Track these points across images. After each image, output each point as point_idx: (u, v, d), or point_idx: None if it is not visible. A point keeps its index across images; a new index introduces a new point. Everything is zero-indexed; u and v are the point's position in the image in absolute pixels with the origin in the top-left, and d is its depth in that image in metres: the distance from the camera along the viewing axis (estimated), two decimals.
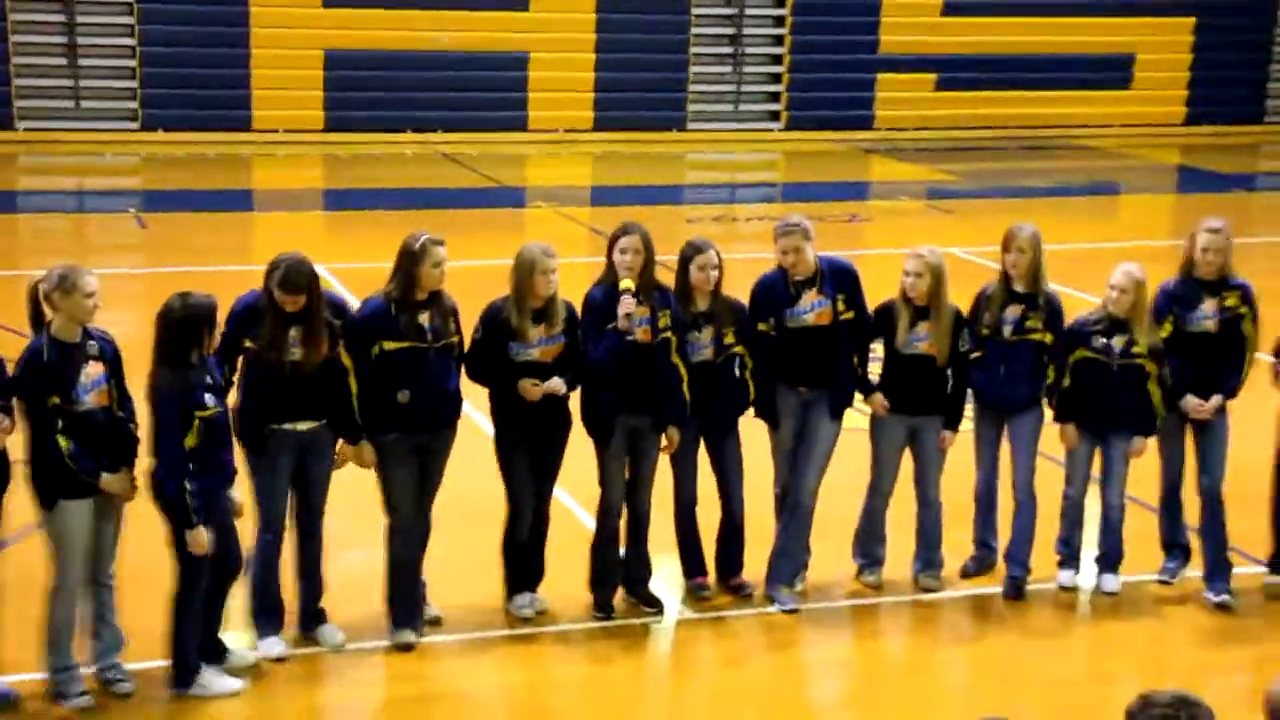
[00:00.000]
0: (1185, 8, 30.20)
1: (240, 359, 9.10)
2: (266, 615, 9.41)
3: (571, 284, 9.79)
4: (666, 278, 9.89)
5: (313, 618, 9.56)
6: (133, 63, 26.29)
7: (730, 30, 28.86)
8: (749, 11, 28.83)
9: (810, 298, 10.01)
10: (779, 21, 28.96)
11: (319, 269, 9.45)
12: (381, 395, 9.26)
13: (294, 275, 9.01)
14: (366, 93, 26.83)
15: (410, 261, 9.26)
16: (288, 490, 9.31)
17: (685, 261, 9.90)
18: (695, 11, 28.35)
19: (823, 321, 10.02)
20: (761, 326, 10.01)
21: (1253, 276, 10.65)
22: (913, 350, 10.09)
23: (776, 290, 10.05)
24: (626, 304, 9.53)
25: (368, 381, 9.26)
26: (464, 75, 27.17)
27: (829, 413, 10.14)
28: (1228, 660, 9.75)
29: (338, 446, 9.37)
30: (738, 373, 10.05)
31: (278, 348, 9.01)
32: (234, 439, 8.94)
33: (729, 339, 9.95)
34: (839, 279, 10.11)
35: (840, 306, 10.04)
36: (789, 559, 10.32)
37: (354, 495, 9.64)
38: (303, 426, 9.19)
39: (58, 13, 25.93)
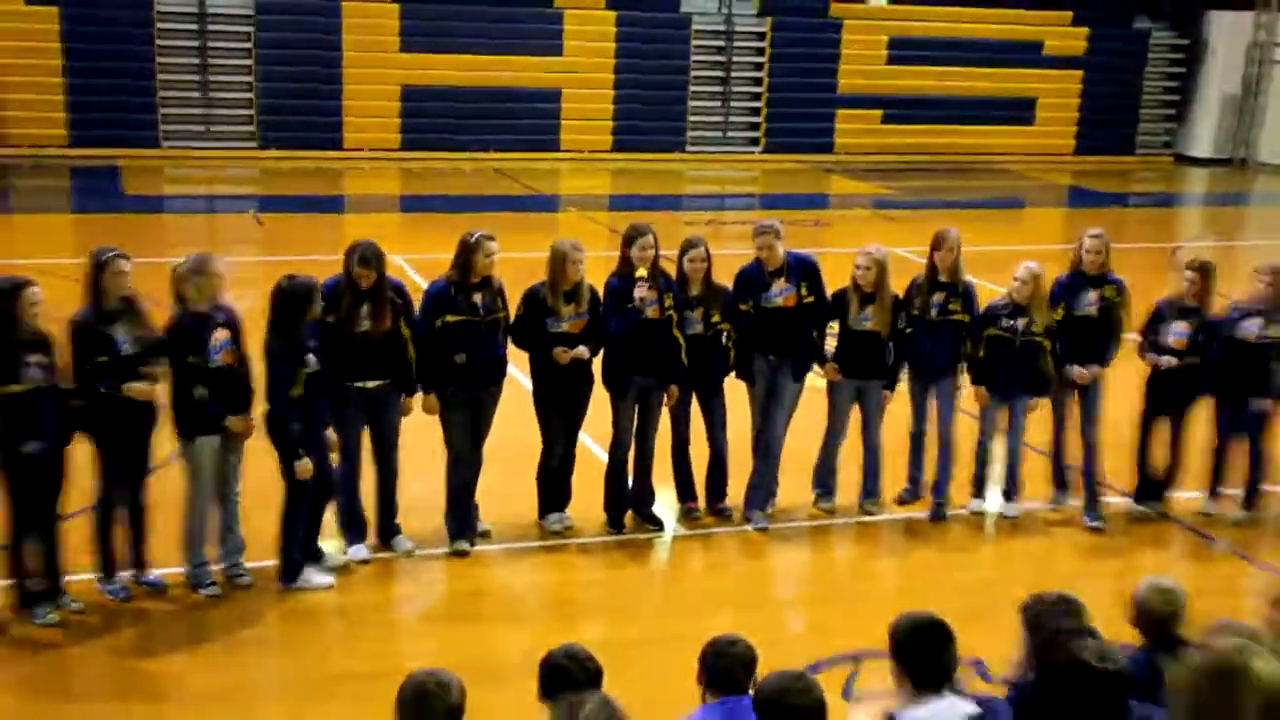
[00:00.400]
0: (1075, 63, 30.29)
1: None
2: (352, 528, 9.52)
3: (594, 272, 9.82)
4: (669, 268, 9.97)
5: (389, 531, 9.66)
6: (250, 95, 26.34)
7: (721, 74, 28.87)
8: (736, 59, 28.82)
9: (780, 284, 10.05)
10: (759, 67, 28.96)
11: (396, 259, 9.50)
12: (443, 358, 9.31)
13: (369, 254, 9.08)
14: (434, 119, 26.82)
15: (467, 252, 9.30)
16: (361, 433, 9.37)
17: (681, 255, 9.97)
18: (694, 58, 28.35)
19: (789, 304, 10.06)
20: (742, 307, 10.05)
21: (1126, 274, 10.70)
22: (861, 327, 10.14)
23: (754, 278, 10.09)
24: (642, 289, 9.62)
25: (429, 348, 9.31)
26: (510, 107, 27.16)
27: (793, 375, 10.22)
28: (1100, 569, 9.84)
29: (403, 399, 9.44)
30: (723, 343, 10.11)
31: (351, 320, 9.06)
32: None
33: (715, 317, 9.99)
34: (804, 270, 10.15)
35: (804, 292, 10.08)
36: (762, 489, 10.40)
37: (422, 436, 9.72)
38: (371, 384, 9.23)
39: (194, 55, 25.98)
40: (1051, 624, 5.26)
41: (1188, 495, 10.79)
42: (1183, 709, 3.51)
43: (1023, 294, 10.15)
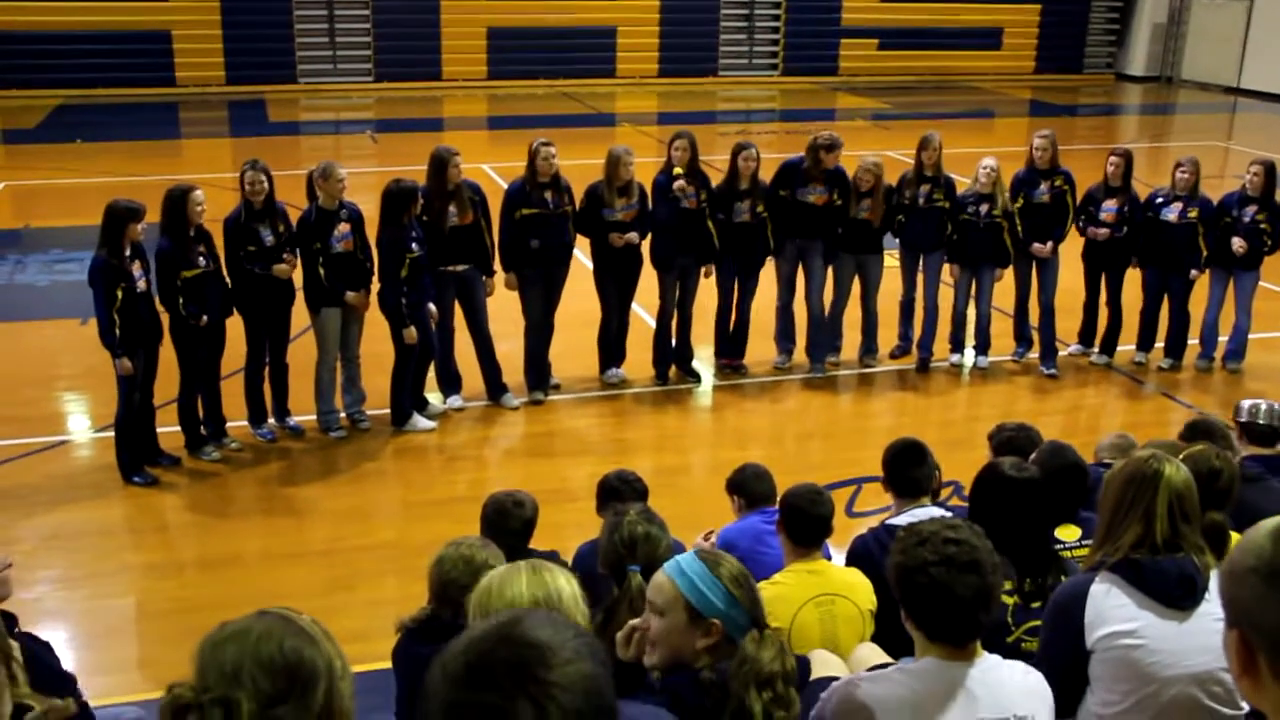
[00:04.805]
0: None
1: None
2: (449, 383, 9.47)
3: (643, 172, 9.65)
4: (706, 170, 9.74)
5: (499, 389, 9.52)
6: (369, 39, 26.06)
7: (746, 10, 28.35)
8: None
9: (818, 186, 9.80)
10: (777, 5, 28.39)
11: (484, 166, 9.34)
12: (521, 244, 9.20)
13: (443, 155, 8.96)
14: (514, 54, 26.51)
15: (532, 158, 9.16)
16: (453, 308, 9.21)
17: (736, 154, 9.66)
18: None
19: (820, 202, 9.81)
20: (782, 192, 9.81)
21: (1076, 171, 10.41)
22: (859, 216, 9.93)
23: (798, 172, 9.84)
24: (680, 182, 9.44)
25: (509, 236, 9.18)
26: (575, 41, 26.86)
27: (821, 256, 10.05)
28: (1051, 407, 9.68)
29: (485, 279, 9.28)
30: (765, 230, 9.76)
31: (442, 216, 8.93)
32: None
33: (759, 208, 9.72)
34: (839, 180, 9.87)
35: (835, 197, 9.84)
36: (824, 345, 10.30)
37: (505, 309, 9.62)
38: (459, 268, 9.09)
39: (323, 6, 25.66)
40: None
41: (1123, 348, 10.57)
42: (1110, 506, 3.49)
43: (985, 185, 9.97)
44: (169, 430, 8.47)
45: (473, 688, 1.54)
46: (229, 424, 8.71)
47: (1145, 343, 10.50)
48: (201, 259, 8.10)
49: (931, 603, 2.85)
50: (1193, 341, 10.45)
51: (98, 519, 7.77)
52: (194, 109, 23.95)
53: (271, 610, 2.04)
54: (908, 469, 4.77)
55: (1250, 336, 10.37)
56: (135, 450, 8.17)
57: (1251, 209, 9.96)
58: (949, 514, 4.61)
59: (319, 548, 7.49)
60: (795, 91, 27.63)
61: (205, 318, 8.11)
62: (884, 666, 3.27)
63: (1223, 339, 10.42)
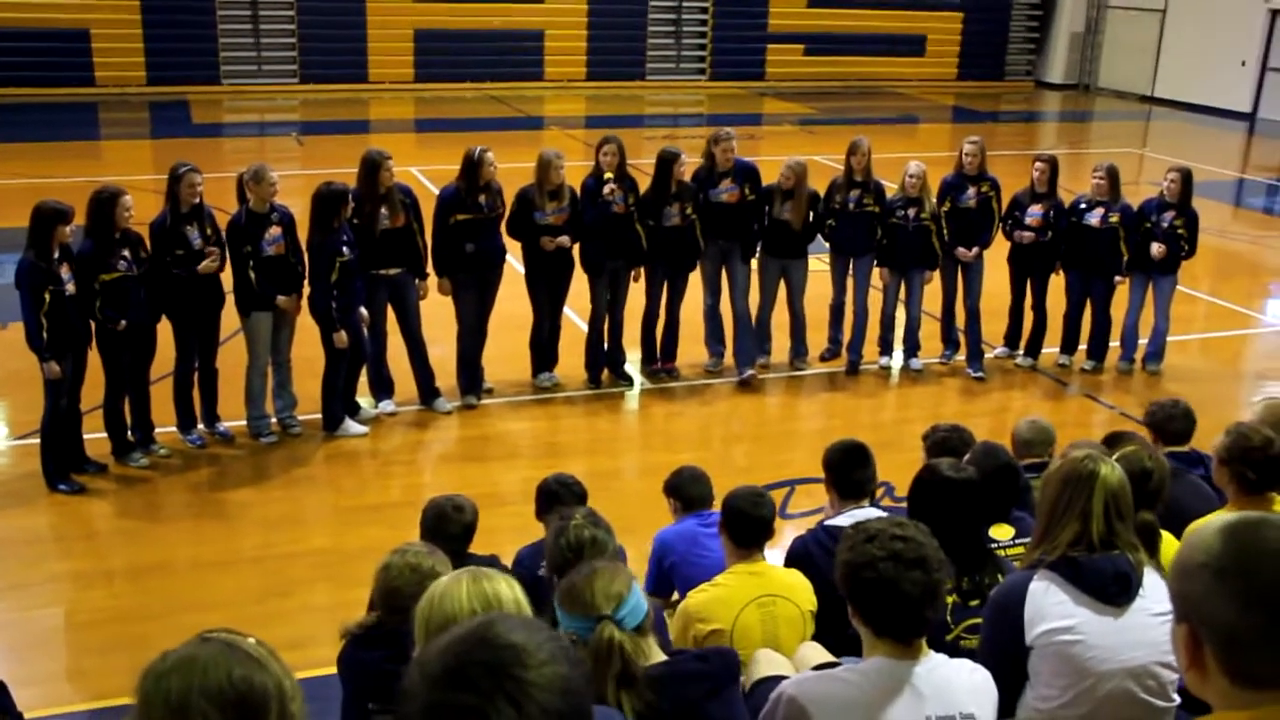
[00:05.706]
0: (956, 5, 30.05)
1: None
2: (381, 387, 9.40)
3: (572, 176, 9.61)
4: (634, 175, 9.77)
5: (431, 394, 9.47)
6: (294, 40, 25.78)
7: (673, 15, 28.45)
8: (685, 3, 28.40)
9: (726, 184, 9.89)
10: (704, 10, 28.51)
11: (413, 169, 9.29)
12: (455, 248, 9.16)
13: (375, 158, 8.87)
14: (441, 56, 26.37)
15: (473, 164, 9.12)
16: (385, 311, 9.14)
17: (669, 163, 9.66)
18: (651, 2, 27.97)
19: (733, 200, 9.89)
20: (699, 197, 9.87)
21: (998, 174, 10.60)
22: (782, 217, 10.00)
23: (707, 175, 9.91)
24: (610, 189, 9.45)
25: (443, 240, 9.13)
26: (503, 44, 26.76)
27: (741, 258, 10.10)
28: (978, 409, 9.82)
29: (417, 282, 9.22)
30: (695, 232, 9.82)
31: (373, 219, 8.87)
32: None
33: (689, 210, 9.77)
34: (747, 174, 9.97)
35: (747, 191, 9.93)
36: (748, 349, 10.27)
37: (437, 313, 9.57)
38: (391, 271, 9.02)
39: (247, 6, 25.32)
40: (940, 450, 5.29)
41: (1047, 350, 10.76)
42: (1048, 506, 3.55)
43: (913, 189, 10.10)
44: (96, 436, 8.33)
45: (451, 688, 1.57)
46: (157, 430, 8.57)
47: (1069, 345, 10.70)
48: (123, 263, 7.95)
49: (879, 598, 2.91)
50: (1114, 344, 10.67)
51: (22, 528, 7.61)
52: (114, 110, 23.54)
53: (215, 635, 1.98)
54: (852, 471, 4.82)
55: (1169, 339, 10.63)
56: (61, 457, 8.02)
57: (1169, 215, 10.20)
58: (887, 514, 4.68)
59: (250, 554, 7.40)
60: (722, 96, 27.78)
61: (124, 322, 7.97)
62: (829, 666, 3.31)
63: (1142, 341, 10.65)
